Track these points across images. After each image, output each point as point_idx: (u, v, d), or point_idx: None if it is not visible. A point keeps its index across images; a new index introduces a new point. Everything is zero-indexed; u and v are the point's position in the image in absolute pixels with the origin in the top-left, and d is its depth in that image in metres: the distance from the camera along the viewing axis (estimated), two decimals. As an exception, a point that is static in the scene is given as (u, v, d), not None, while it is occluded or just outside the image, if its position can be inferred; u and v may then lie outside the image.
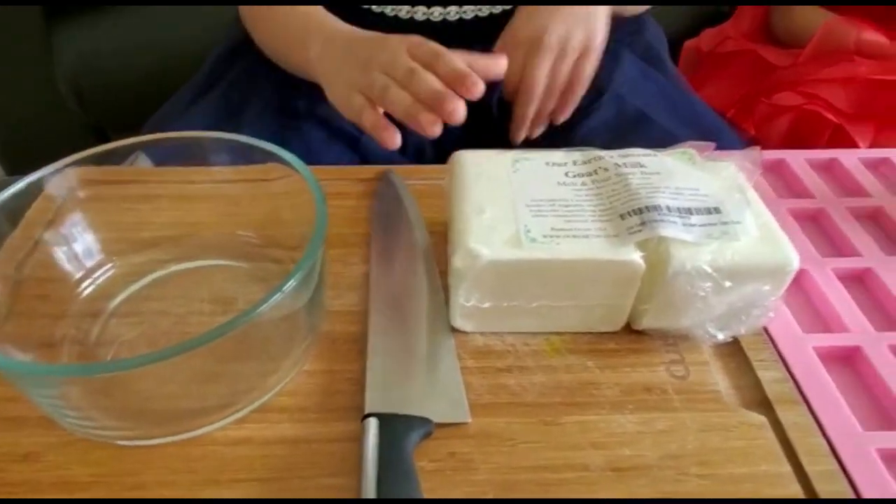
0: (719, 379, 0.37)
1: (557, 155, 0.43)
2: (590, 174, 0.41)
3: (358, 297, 0.42)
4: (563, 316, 0.39)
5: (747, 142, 0.63)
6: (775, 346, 0.39)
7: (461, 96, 0.46)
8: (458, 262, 0.36)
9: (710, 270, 0.35)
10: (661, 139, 0.57)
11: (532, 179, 0.40)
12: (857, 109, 0.75)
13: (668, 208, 0.37)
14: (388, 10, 0.68)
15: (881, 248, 0.46)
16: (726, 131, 0.65)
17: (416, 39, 0.49)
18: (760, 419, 0.35)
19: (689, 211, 0.37)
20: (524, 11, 0.58)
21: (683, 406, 0.36)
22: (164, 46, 0.99)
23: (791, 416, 0.35)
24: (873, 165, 0.56)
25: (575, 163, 0.42)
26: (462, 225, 0.37)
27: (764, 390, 0.36)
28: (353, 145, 0.67)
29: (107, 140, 0.42)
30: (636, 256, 0.36)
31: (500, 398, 0.36)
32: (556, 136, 0.63)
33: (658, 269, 0.36)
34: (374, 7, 0.68)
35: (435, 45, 0.48)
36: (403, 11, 0.68)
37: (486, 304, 0.37)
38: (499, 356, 0.38)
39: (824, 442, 0.34)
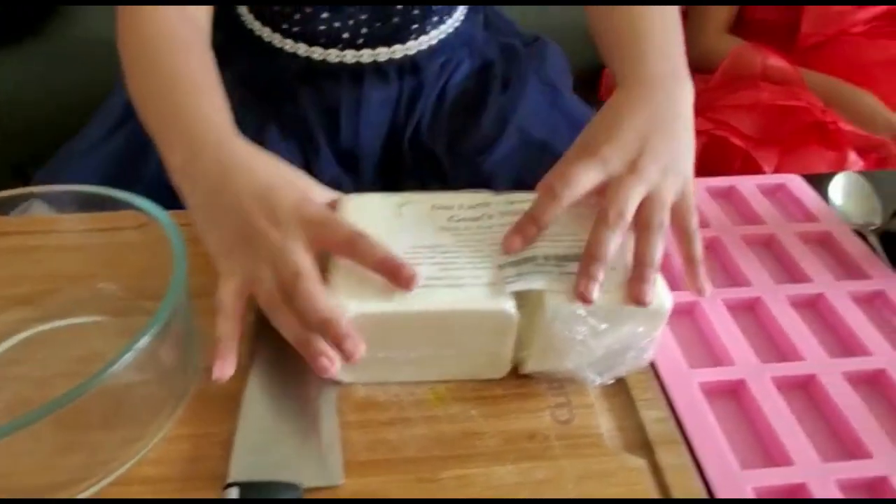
0: (603, 421, 0.37)
1: (445, 197, 0.42)
2: (476, 219, 0.40)
3: (239, 351, 0.40)
4: (445, 365, 0.38)
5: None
6: (662, 382, 0.39)
7: (401, 287, 0.34)
8: None
9: (584, 314, 0.35)
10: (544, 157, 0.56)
11: (415, 224, 0.40)
12: (762, 134, 0.77)
13: (546, 257, 0.37)
14: (301, 50, 0.67)
15: (771, 276, 0.47)
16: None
17: (319, 216, 0.35)
18: (640, 463, 0.35)
19: (566, 258, 0.37)
20: (606, 113, 0.42)
21: (564, 453, 0.35)
22: (82, 82, 0.96)
23: (670, 458, 0.35)
24: (770, 192, 0.57)
25: (461, 206, 0.41)
26: (335, 276, 0.36)
27: (646, 431, 0.36)
28: None
29: (28, 180, 0.40)
30: (509, 306, 0.35)
31: (379, 454, 0.35)
32: (462, 169, 0.63)
33: (535, 315, 0.36)
34: (286, 47, 0.67)
35: (346, 230, 0.34)
36: (317, 53, 0.67)
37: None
38: (381, 408, 0.37)
39: (701, 485, 0.34)
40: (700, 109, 0.85)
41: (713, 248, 0.50)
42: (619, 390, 0.38)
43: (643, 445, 0.36)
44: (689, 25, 0.95)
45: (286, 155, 0.67)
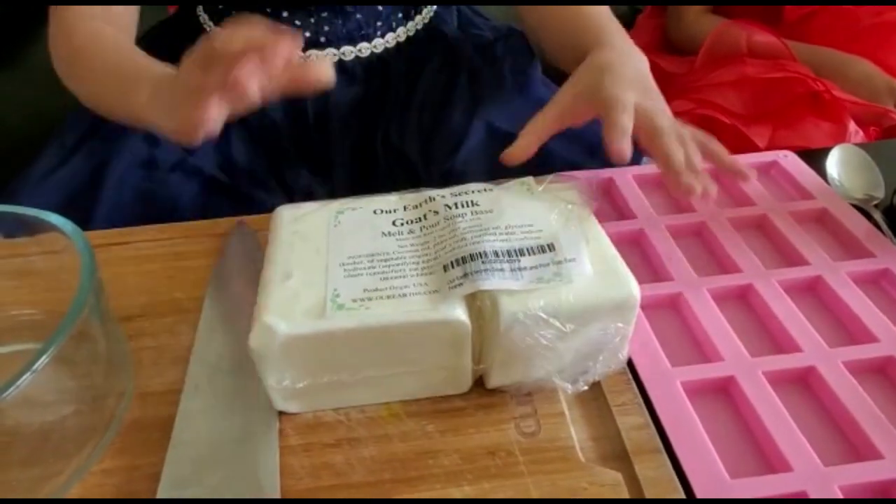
0: (575, 431, 0.33)
1: (389, 200, 0.39)
2: (419, 220, 0.37)
3: (181, 374, 0.37)
4: (399, 384, 0.34)
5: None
6: (641, 384, 0.35)
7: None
8: (253, 341, 0.31)
9: (545, 316, 0.31)
10: (537, 159, 0.54)
11: (353, 233, 0.36)
12: (750, 110, 0.72)
13: (497, 253, 0.33)
14: None
15: (763, 260, 0.42)
16: (599, 140, 0.62)
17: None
18: (614, 477, 0.30)
19: (519, 252, 0.33)
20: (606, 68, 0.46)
21: (529, 469, 0.31)
22: (51, 108, 0.95)
23: (650, 470, 0.30)
24: (763, 169, 0.52)
25: (406, 208, 0.38)
26: (263, 296, 0.33)
27: (623, 440, 0.32)
28: (232, 195, 0.62)
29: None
30: (458, 314, 0.31)
31: (322, 480, 0.31)
32: (434, 168, 0.60)
33: (492, 322, 0.32)
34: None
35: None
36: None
37: (302, 384, 0.32)
38: (328, 429, 0.33)
39: (684, 498, 0.29)
40: (683, 91, 0.80)
41: (701, 233, 0.46)
42: (594, 396, 0.34)
43: (620, 456, 0.32)
44: (671, 8, 0.91)
45: (254, 164, 0.65)
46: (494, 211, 0.36)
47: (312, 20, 0.62)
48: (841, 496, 0.29)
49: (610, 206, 0.49)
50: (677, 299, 0.40)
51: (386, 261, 0.34)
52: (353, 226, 0.37)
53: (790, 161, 0.52)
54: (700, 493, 0.30)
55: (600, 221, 0.46)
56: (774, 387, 0.34)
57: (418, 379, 0.34)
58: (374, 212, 0.38)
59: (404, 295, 0.32)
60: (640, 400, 0.34)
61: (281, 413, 0.34)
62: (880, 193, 0.49)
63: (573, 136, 0.61)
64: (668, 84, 0.85)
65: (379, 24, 0.64)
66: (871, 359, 0.36)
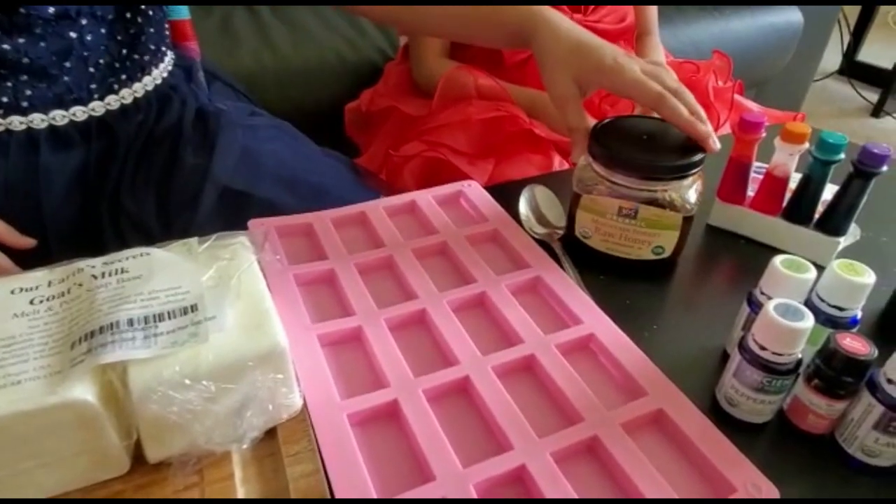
0: (247, 490, 0.31)
1: (34, 277, 0.35)
2: (62, 294, 0.33)
3: None
4: (37, 479, 0.30)
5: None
6: (313, 425, 0.34)
7: None
8: None
9: (184, 380, 0.29)
10: (267, 211, 0.53)
11: None
12: (474, 148, 0.77)
13: (132, 321, 0.31)
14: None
15: (439, 284, 0.45)
16: (333, 187, 0.63)
17: None
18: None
19: (159, 318, 0.31)
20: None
21: (183, 545, 0.29)
22: None
23: (310, 515, 0.30)
24: (453, 198, 0.56)
25: (51, 283, 0.34)
26: None
27: (290, 492, 0.31)
28: None
29: None
30: (78, 393, 0.28)
31: None
32: (173, 227, 0.56)
33: (127, 395, 0.29)
34: None
35: None
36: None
37: None
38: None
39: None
40: (417, 133, 0.85)
41: (390, 266, 0.48)
42: (272, 450, 0.33)
43: (285, 508, 0.30)
44: (413, 53, 0.95)
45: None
46: (143, 276, 0.34)
47: (9, 84, 0.54)
48: (475, 495, 0.31)
49: (309, 248, 0.49)
50: (359, 333, 0.41)
51: (8, 346, 0.30)
52: None
53: (473, 189, 0.57)
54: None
55: (297, 263, 0.46)
56: (433, 402, 0.36)
57: (62, 470, 0.30)
58: (12, 291, 0.33)
59: (18, 382, 0.28)
60: (315, 445, 0.33)
61: None
62: (562, 223, 0.52)
63: (276, 180, 0.61)
64: (408, 127, 0.88)
65: (93, 86, 0.58)
66: (515, 360, 0.39)
